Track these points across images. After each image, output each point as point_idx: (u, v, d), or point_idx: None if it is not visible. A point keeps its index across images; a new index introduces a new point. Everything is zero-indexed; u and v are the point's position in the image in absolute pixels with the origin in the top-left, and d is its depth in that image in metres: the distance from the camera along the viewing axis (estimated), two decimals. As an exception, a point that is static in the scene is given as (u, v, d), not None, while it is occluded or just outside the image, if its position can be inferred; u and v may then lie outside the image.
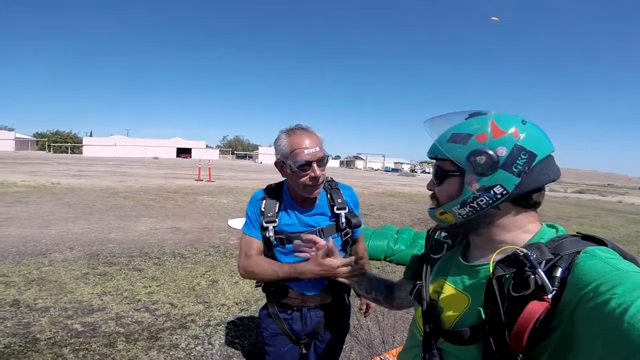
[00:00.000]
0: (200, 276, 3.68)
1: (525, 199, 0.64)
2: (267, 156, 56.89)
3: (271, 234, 1.24)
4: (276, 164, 1.25)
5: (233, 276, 3.72)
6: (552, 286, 0.51)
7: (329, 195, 1.32)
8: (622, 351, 0.41)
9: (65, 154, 45.63)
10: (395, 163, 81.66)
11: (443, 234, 0.82)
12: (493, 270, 0.57)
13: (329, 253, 1.06)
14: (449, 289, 0.70)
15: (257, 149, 66.68)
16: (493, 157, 0.61)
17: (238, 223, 6.16)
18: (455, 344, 0.63)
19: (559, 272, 0.53)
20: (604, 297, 0.45)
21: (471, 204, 0.64)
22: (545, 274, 0.52)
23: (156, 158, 44.23)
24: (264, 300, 1.41)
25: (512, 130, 0.61)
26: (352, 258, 1.09)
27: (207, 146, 66.14)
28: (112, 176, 13.92)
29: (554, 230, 0.66)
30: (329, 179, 1.37)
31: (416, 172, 64.38)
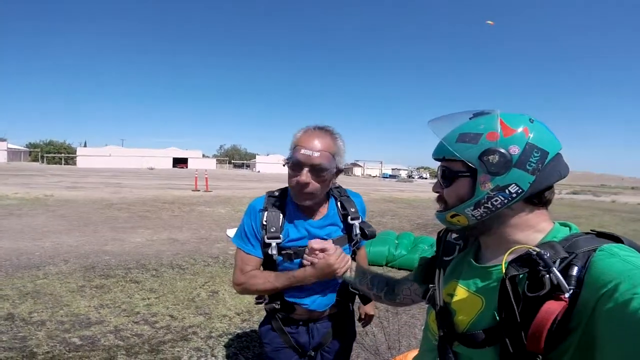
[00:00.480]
0: (200, 287, 3.62)
1: (538, 197, 0.63)
2: (264, 165, 56.87)
3: (274, 251, 1.11)
4: (285, 160, 1.14)
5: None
6: (569, 285, 0.50)
7: (339, 204, 1.23)
8: None
9: (58, 165, 45.22)
10: (392, 169, 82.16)
11: (454, 235, 0.80)
12: (506, 270, 0.55)
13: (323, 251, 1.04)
14: (461, 292, 0.68)
15: (255, 158, 66.60)
16: (506, 156, 0.59)
17: (236, 232, 6.10)
18: (470, 347, 0.62)
19: (574, 271, 0.51)
20: (625, 296, 0.44)
21: (485, 205, 0.62)
22: (560, 273, 0.50)
23: (152, 169, 44.02)
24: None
25: (522, 128, 0.61)
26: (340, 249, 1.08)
27: (203, 156, 65.97)
28: (106, 187, 13.78)
29: (567, 228, 0.64)
30: (336, 185, 1.27)
31: (413, 177, 64.80)
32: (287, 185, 1.20)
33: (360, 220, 1.22)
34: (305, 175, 1.04)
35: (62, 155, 51.98)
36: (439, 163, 0.71)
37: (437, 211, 0.72)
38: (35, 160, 52.04)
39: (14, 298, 3.07)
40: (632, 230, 9.19)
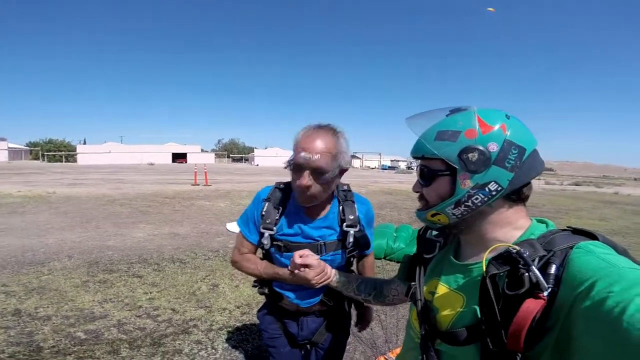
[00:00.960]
0: (201, 281, 3.69)
1: (517, 194, 0.63)
2: (263, 158, 56.78)
3: (266, 241, 1.16)
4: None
5: (233, 280, 3.73)
6: (547, 283, 0.50)
7: (340, 208, 1.20)
8: (622, 351, 0.40)
9: (59, 163, 45.27)
10: (391, 161, 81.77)
11: (434, 232, 0.81)
12: (486, 268, 0.56)
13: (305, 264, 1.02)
14: (442, 289, 0.69)
15: (253, 152, 66.44)
16: (485, 153, 0.60)
17: (236, 227, 6.13)
18: (452, 345, 0.63)
19: (553, 269, 0.52)
20: (601, 295, 0.44)
21: (466, 203, 0.62)
22: (539, 271, 0.51)
23: (152, 164, 44.02)
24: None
25: (499, 125, 0.61)
26: (325, 266, 1.04)
27: (202, 150, 65.82)
28: (107, 184, 13.84)
29: (544, 225, 0.65)
30: (345, 188, 1.25)
31: (412, 169, 64.47)
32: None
33: (357, 229, 1.18)
34: (306, 179, 1.03)
35: (63, 153, 52.01)
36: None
37: (418, 210, 0.72)
38: (36, 158, 52.07)
39: (20, 294, 3.14)
40: (634, 223, 9.08)
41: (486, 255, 0.58)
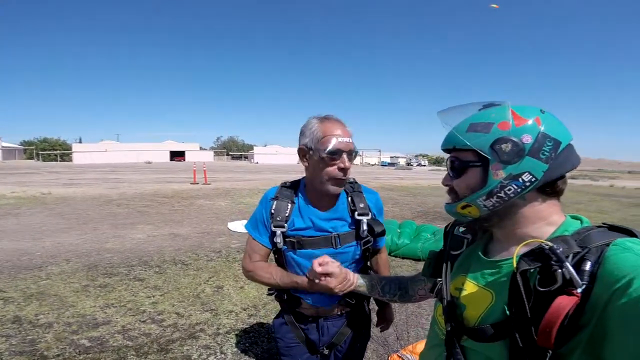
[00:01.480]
0: (204, 283, 3.61)
1: (551, 187, 0.62)
2: (262, 156, 56.52)
3: (279, 239, 1.14)
4: (300, 150, 1.13)
5: (238, 281, 3.66)
6: (582, 280, 0.49)
7: (349, 199, 1.20)
8: None
9: (54, 162, 44.78)
10: (391, 157, 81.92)
11: (462, 229, 0.79)
12: (517, 264, 0.55)
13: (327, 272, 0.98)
14: (470, 286, 0.68)
15: (252, 149, 66.10)
16: (519, 144, 0.59)
17: (238, 226, 6.08)
18: (479, 341, 0.62)
19: (587, 266, 0.51)
20: (638, 292, 0.44)
21: (498, 194, 0.61)
22: (573, 268, 0.50)
23: (149, 162, 43.69)
24: (272, 305, 1.36)
25: (534, 118, 0.60)
26: (348, 272, 1.02)
27: (200, 148, 65.45)
28: (104, 183, 13.67)
29: (579, 221, 0.64)
30: (352, 180, 1.25)
31: (412, 165, 64.83)
32: (297, 177, 1.24)
33: (369, 217, 1.18)
34: (347, 162, 1.09)
35: (58, 152, 51.44)
36: (443, 153, 0.70)
37: (447, 203, 0.71)
38: (30, 158, 51.51)
39: (18, 300, 3.05)
40: (632, 215, 9.22)
41: (517, 251, 0.57)
